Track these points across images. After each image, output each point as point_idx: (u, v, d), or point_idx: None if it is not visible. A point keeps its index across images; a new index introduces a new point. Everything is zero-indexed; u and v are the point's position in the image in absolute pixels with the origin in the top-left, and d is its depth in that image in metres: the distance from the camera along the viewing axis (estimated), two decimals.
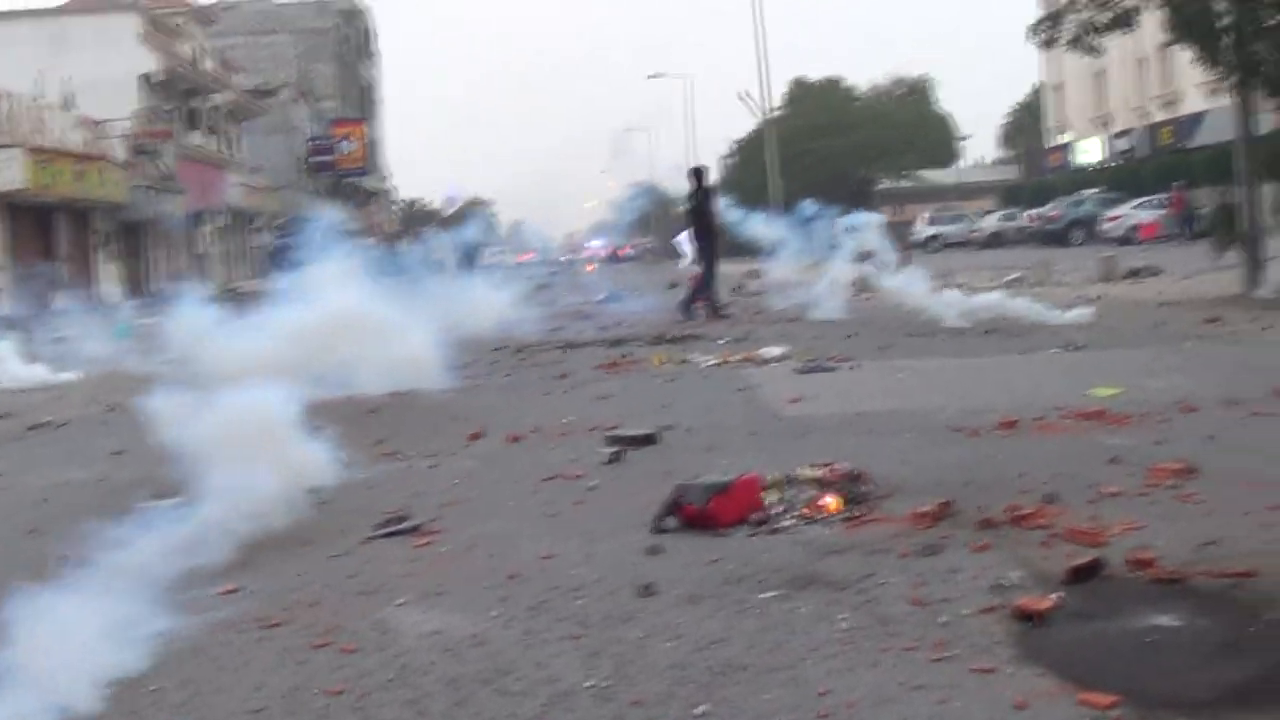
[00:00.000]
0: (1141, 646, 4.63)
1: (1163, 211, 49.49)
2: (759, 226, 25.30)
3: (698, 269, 25.16)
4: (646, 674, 4.59)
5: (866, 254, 23.48)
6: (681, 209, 24.05)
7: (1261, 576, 5.25)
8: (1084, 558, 5.49)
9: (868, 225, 24.33)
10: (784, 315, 21.99)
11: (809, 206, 24.95)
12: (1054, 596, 5.05)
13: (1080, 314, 17.92)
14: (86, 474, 9.77)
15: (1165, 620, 4.85)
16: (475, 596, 5.62)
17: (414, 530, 6.94)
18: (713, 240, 24.78)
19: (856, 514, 6.72)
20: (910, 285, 20.54)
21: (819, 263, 23.45)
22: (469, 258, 39.57)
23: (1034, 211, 62.00)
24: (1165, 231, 47.76)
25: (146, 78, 59.81)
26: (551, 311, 27.00)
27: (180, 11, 72.06)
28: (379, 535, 6.89)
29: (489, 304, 21.59)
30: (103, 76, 56.79)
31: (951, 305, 18.98)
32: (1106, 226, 51.30)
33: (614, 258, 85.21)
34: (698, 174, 25.35)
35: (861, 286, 24.08)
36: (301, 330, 12.55)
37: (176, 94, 64.38)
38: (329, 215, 17.60)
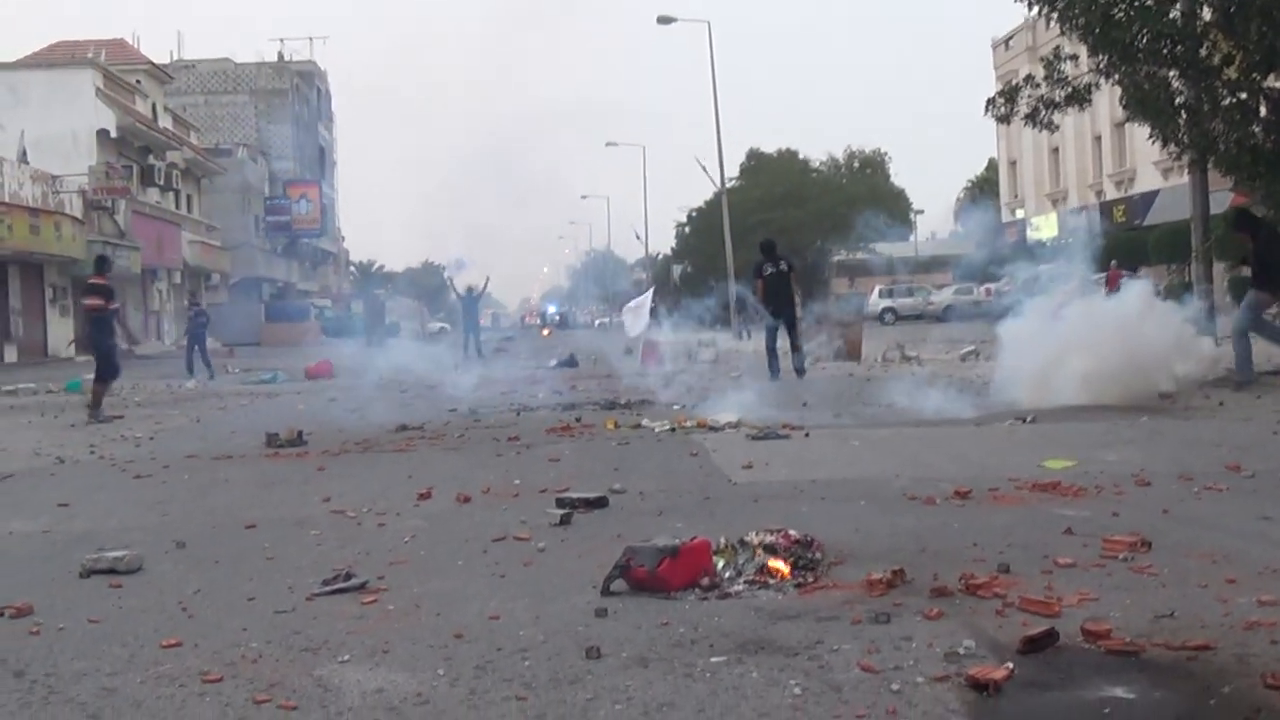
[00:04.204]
0: (1096, 718, 4.55)
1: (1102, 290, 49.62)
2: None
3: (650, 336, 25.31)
4: None
5: None
6: (764, 275, 24.11)
7: (1218, 650, 5.20)
8: (1038, 628, 5.43)
9: None
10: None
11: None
12: (1008, 666, 4.97)
13: None
14: (31, 526, 9.62)
15: (1120, 692, 4.78)
16: (420, 655, 5.52)
17: (360, 588, 6.83)
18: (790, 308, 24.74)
19: (808, 580, 6.65)
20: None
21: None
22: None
23: (990, 285, 62.18)
24: None
25: (103, 133, 59.62)
26: (507, 375, 27.03)
27: (138, 69, 72.06)
28: (325, 592, 6.78)
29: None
30: (59, 131, 56.71)
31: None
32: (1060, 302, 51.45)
33: (568, 322, 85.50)
34: (770, 247, 25.18)
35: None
36: None
37: (133, 150, 64.24)
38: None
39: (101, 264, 22.25)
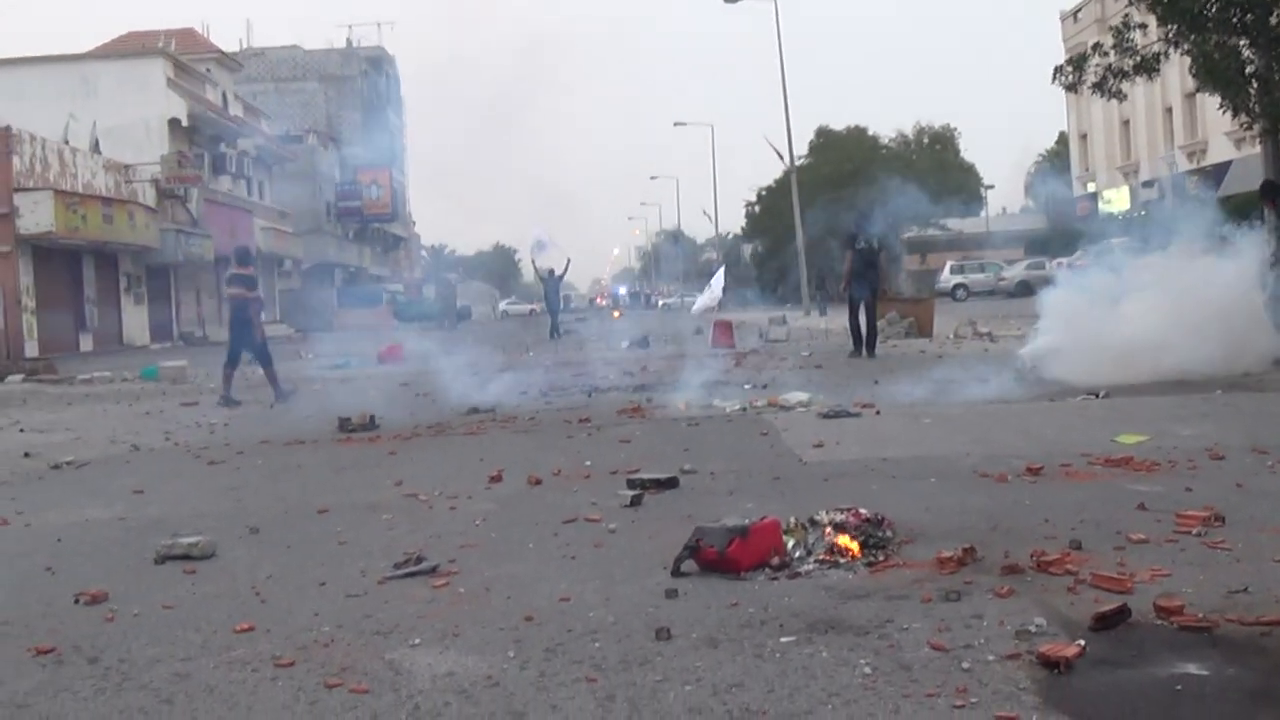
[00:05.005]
0: (1169, 695, 4.51)
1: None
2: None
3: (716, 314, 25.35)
4: (662, 718, 4.49)
5: None
6: (855, 249, 24.08)
7: None
8: (1110, 604, 5.39)
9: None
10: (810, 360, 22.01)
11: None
12: (1079, 644, 4.94)
13: None
14: (106, 513, 9.72)
15: (1193, 669, 4.74)
16: (491, 638, 5.54)
17: (432, 571, 6.86)
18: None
19: (879, 559, 6.62)
20: None
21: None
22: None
23: (1063, 259, 61.68)
24: None
25: (174, 122, 60.01)
26: (578, 357, 27.07)
27: (208, 57, 72.50)
28: (396, 575, 6.82)
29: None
30: (130, 121, 57.17)
31: None
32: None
33: (642, 302, 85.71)
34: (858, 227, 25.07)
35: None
36: None
37: (204, 139, 64.65)
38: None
39: (244, 255, 22.61)
